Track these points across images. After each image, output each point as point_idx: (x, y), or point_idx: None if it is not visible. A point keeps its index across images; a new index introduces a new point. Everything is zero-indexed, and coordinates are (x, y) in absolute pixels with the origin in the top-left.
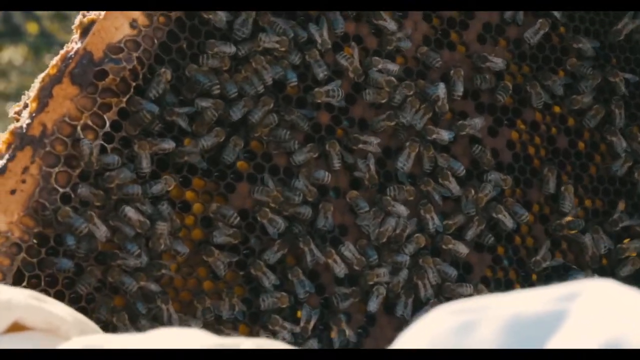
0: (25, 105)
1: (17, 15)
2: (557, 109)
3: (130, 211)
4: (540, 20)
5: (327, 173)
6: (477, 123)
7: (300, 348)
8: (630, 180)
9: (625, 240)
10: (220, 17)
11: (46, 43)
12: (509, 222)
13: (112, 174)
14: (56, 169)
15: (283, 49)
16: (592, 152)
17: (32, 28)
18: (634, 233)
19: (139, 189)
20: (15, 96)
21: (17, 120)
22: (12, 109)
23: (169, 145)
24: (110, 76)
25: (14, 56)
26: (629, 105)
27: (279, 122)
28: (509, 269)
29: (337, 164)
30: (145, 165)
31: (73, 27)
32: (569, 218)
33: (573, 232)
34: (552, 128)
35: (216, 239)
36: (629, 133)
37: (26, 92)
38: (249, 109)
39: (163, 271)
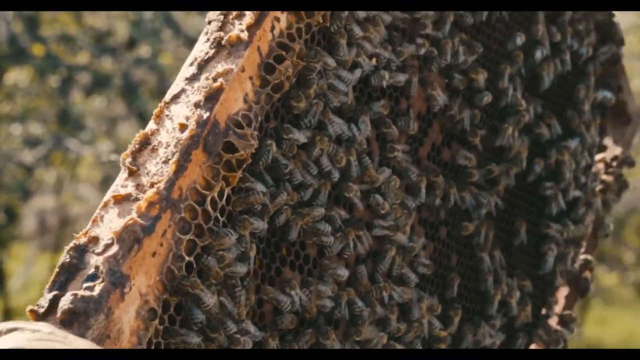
0: (134, 156)
1: (22, 37)
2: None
3: (243, 294)
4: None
5: (346, 271)
6: (424, 242)
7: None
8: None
9: None
10: (304, 107)
11: (52, 65)
12: (425, 330)
13: (225, 254)
14: (187, 237)
15: (340, 165)
16: (467, 272)
17: (37, 50)
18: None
19: (244, 268)
20: (21, 118)
21: (132, 172)
22: (123, 158)
23: (263, 225)
24: (240, 151)
25: (19, 78)
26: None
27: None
28: None
29: (349, 251)
30: (248, 244)
31: (202, 92)
32: (444, 333)
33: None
34: (450, 249)
35: (280, 325)
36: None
37: (132, 141)
38: (314, 189)
39: None
